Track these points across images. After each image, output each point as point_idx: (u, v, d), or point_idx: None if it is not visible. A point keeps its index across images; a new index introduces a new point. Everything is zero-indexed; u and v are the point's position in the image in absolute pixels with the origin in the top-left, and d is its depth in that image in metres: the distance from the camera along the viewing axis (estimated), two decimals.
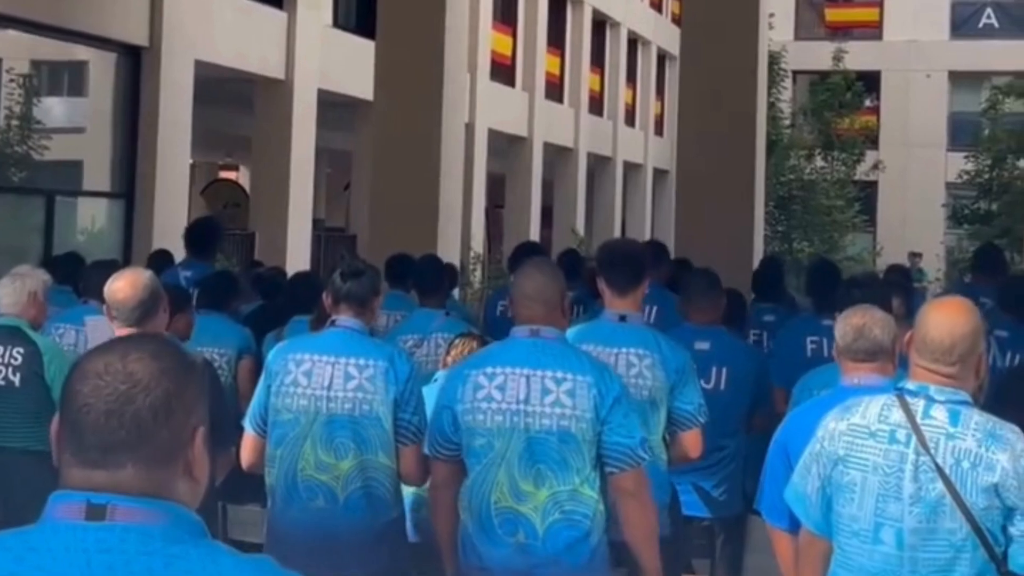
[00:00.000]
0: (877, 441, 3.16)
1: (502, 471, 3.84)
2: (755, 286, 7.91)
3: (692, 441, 4.64)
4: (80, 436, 1.79)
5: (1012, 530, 3.11)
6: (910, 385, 3.20)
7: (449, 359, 4.97)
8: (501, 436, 3.84)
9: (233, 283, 7.02)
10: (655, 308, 6.26)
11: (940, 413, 3.14)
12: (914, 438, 3.12)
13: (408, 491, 4.54)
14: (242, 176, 26.07)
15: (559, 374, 3.85)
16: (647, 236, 31.04)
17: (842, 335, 3.86)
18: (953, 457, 3.10)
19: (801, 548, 3.40)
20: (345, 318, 4.38)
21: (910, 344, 3.25)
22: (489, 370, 3.91)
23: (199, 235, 8.14)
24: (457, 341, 5.08)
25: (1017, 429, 3.20)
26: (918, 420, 3.14)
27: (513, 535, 3.82)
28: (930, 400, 3.16)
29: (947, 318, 3.22)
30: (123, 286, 4.38)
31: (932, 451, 3.11)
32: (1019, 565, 3.12)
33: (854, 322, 3.71)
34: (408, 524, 4.63)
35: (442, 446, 3.98)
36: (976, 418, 3.15)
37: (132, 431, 1.78)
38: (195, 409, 1.86)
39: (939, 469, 3.09)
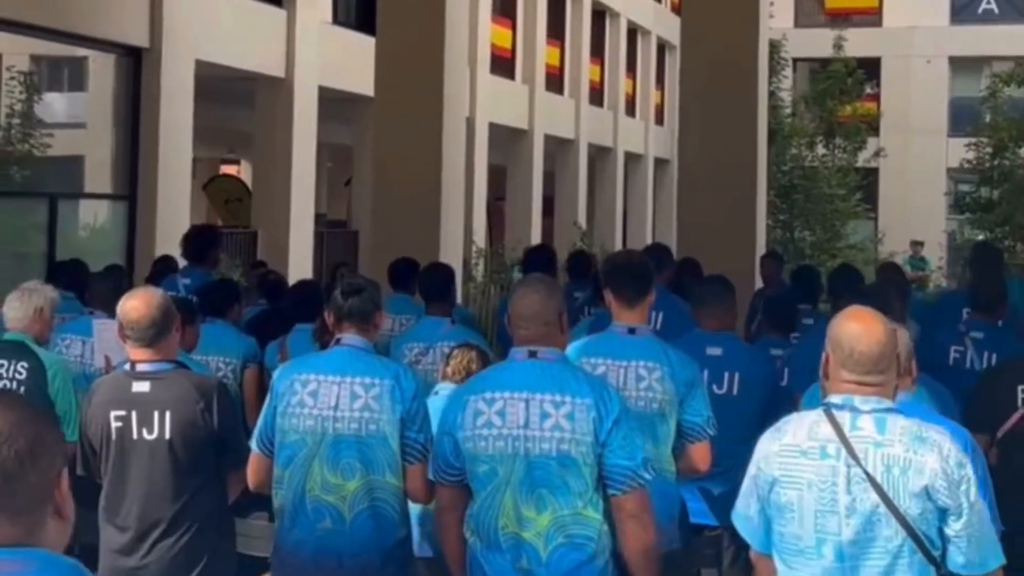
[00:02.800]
0: (809, 458, 3.19)
1: (507, 496, 3.83)
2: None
3: (700, 454, 4.64)
4: None
5: (947, 531, 3.15)
6: (835, 399, 3.23)
7: (449, 370, 4.97)
8: (504, 462, 3.83)
9: (234, 290, 7.02)
10: (661, 314, 6.24)
11: (867, 423, 3.18)
12: (844, 451, 3.16)
13: (417, 507, 4.54)
14: (243, 170, 26.08)
15: (557, 397, 3.83)
16: (649, 226, 31.06)
17: None
18: (883, 465, 3.13)
19: (756, 568, 3.42)
20: (349, 336, 4.36)
21: (828, 362, 3.27)
22: (488, 395, 3.89)
23: (196, 243, 8.16)
24: (456, 352, 5.09)
25: (944, 431, 3.25)
26: (846, 432, 3.17)
27: (518, 561, 3.82)
28: (856, 411, 3.19)
29: (866, 329, 3.24)
30: (137, 305, 4.36)
31: (862, 461, 3.14)
32: (955, 564, 3.16)
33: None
34: (421, 538, 4.64)
35: (445, 472, 3.98)
36: (902, 423, 3.19)
37: (0, 482, 1.83)
38: (57, 452, 1.93)
39: (870, 478, 3.13)
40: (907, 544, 3.12)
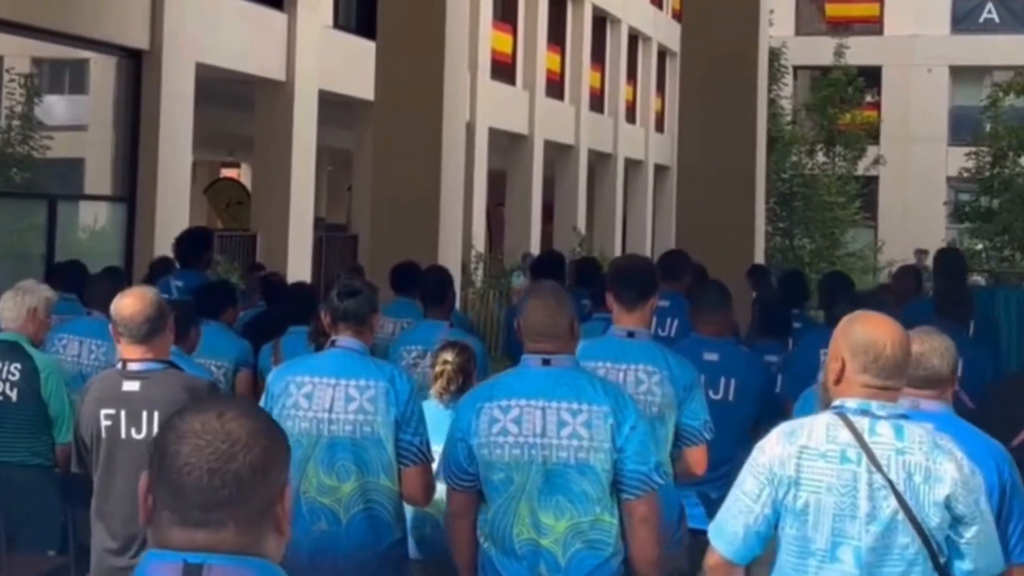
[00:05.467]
0: (828, 462, 3.15)
1: (523, 504, 3.83)
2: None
3: (697, 457, 4.64)
4: (181, 495, 1.82)
5: (959, 539, 3.14)
6: (849, 404, 3.19)
7: (434, 392, 4.94)
8: (519, 470, 3.83)
9: (229, 293, 6.98)
10: (676, 321, 6.22)
11: (885, 429, 3.15)
12: (864, 456, 3.13)
13: (409, 509, 4.54)
14: (244, 174, 26.10)
15: (575, 405, 3.83)
16: (648, 233, 31.06)
17: None
18: (905, 472, 3.11)
19: (721, 574, 3.35)
20: (344, 338, 4.36)
21: (844, 366, 3.19)
22: (504, 403, 3.88)
23: (189, 245, 8.11)
24: (438, 367, 5.06)
25: (951, 439, 3.23)
26: (866, 438, 3.14)
27: (535, 567, 3.83)
28: (874, 417, 3.16)
29: (891, 334, 3.19)
30: (130, 302, 4.35)
31: (884, 469, 3.11)
32: (962, 571, 3.16)
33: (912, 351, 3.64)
34: (410, 542, 4.63)
35: (459, 477, 3.96)
36: (919, 431, 3.17)
37: (234, 489, 1.82)
38: (286, 465, 1.91)
39: (892, 486, 3.11)
40: (921, 552, 3.11)
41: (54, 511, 5.55)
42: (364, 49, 14.81)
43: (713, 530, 3.35)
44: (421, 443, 4.27)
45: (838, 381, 3.23)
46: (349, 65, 16.84)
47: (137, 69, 14.07)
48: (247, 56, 15.79)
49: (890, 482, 3.10)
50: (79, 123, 15.49)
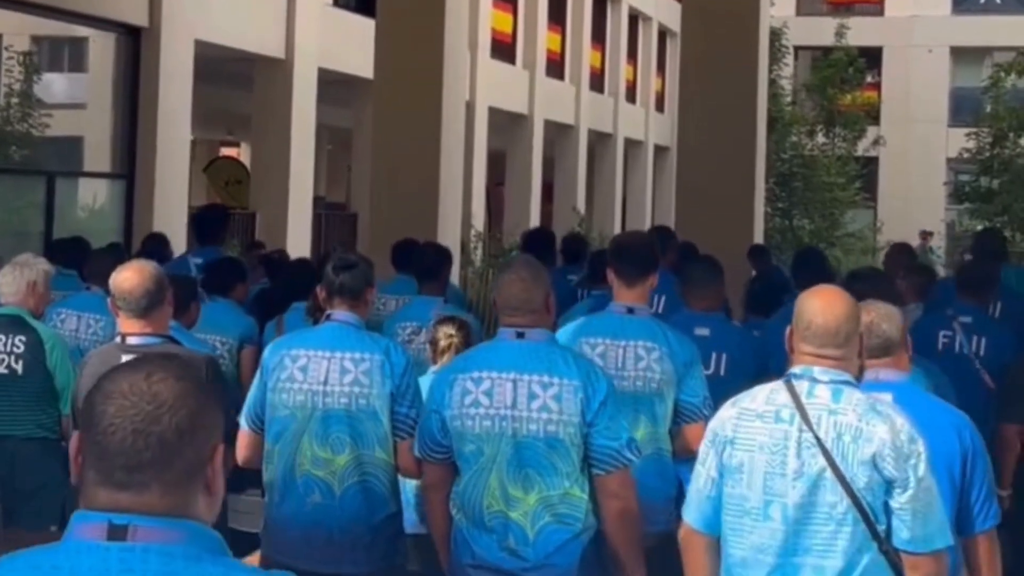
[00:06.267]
0: (764, 422, 3.26)
1: (493, 476, 3.85)
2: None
3: (696, 434, 4.62)
4: (106, 456, 1.81)
5: (892, 503, 3.16)
6: (795, 369, 3.30)
7: (443, 359, 4.99)
8: (490, 442, 3.85)
9: (239, 269, 7.00)
10: (663, 297, 6.22)
11: (823, 392, 3.24)
12: (797, 416, 3.22)
13: (412, 484, 4.55)
14: (243, 152, 26.06)
15: (545, 378, 3.84)
16: (648, 213, 31.04)
17: None
18: (835, 431, 3.19)
19: (685, 544, 3.44)
20: (340, 312, 4.37)
21: (792, 335, 3.34)
22: (476, 374, 3.90)
23: (207, 222, 8.19)
24: (440, 338, 5.12)
25: (899, 409, 3.28)
26: (802, 399, 3.23)
27: (504, 540, 3.85)
28: (814, 381, 3.26)
29: (827, 304, 3.32)
30: (130, 275, 4.36)
31: (815, 427, 3.20)
32: (900, 539, 3.17)
33: (861, 320, 3.69)
34: (414, 515, 4.65)
35: (432, 449, 3.99)
36: (858, 396, 3.25)
37: (157, 451, 1.80)
38: (216, 427, 1.89)
39: (820, 444, 3.18)
40: (851, 513, 3.15)
41: (58, 485, 5.56)
42: (364, 27, 14.78)
43: (685, 504, 3.47)
44: (417, 415, 4.26)
45: (791, 350, 3.37)
46: (349, 43, 16.80)
47: (136, 47, 14.04)
48: (246, 34, 15.76)
49: (818, 439, 3.18)
50: (78, 101, 15.47)
